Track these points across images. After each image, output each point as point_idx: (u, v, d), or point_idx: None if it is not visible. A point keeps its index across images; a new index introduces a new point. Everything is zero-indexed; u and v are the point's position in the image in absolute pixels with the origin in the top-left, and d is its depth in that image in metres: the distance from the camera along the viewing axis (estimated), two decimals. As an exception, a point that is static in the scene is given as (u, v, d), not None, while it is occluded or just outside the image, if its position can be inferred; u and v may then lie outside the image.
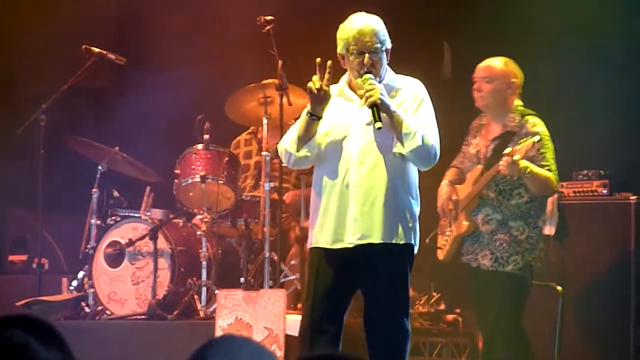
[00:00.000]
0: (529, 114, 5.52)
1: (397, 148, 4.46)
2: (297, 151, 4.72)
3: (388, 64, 4.55)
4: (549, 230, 6.08)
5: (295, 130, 4.71)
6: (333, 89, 4.60)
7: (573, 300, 6.14)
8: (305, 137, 4.62)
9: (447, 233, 5.55)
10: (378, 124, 4.27)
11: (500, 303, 5.44)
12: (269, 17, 5.99)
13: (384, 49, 4.49)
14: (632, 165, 6.59)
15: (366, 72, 4.46)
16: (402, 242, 4.62)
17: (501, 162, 5.11)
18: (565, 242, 6.32)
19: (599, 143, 6.73)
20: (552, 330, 6.02)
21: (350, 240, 4.56)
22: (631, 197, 6.23)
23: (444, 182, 5.52)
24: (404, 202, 4.65)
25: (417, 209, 4.68)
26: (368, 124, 4.41)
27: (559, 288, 5.92)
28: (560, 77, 6.75)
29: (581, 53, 6.88)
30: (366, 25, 4.48)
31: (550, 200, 6.01)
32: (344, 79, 4.51)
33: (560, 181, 6.17)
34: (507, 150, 5.13)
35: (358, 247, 4.53)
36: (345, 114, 4.61)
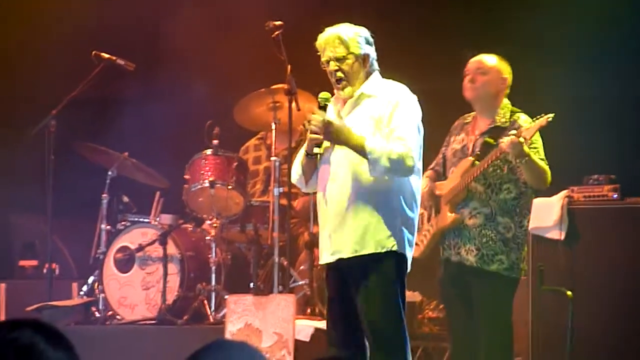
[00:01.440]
0: (518, 111, 5.44)
1: (368, 173, 4.46)
2: (306, 186, 4.84)
3: (383, 71, 4.53)
4: (560, 235, 6.15)
5: (298, 167, 4.78)
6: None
7: (584, 306, 6.02)
8: (309, 174, 4.71)
9: (425, 229, 5.51)
10: (316, 150, 4.44)
11: (491, 308, 5.37)
12: (277, 23, 5.97)
13: (351, 55, 4.49)
14: None
15: (336, 81, 4.49)
16: (381, 251, 4.57)
17: (503, 140, 5.03)
18: (575, 247, 6.27)
19: (609, 147, 6.68)
20: (563, 335, 5.92)
21: (326, 257, 4.64)
22: None
23: (424, 177, 5.38)
24: (382, 213, 4.62)
25: (400, 217, 4.61)
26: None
27: (569, 293, 5.79)
28: (569, 82, 6.73)
29: (588, 59, 6.86)
30: (330, 34, 4.51)
31: (559, 204, 6.08)
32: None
33: (570, 186, 6.24)
34: (513, 132, 5.05)
35: (335, 263, 4.57)
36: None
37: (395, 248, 4.47)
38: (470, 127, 5.49)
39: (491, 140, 5.39)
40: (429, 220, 5.55)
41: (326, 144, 4.57)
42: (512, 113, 5.36)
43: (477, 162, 5.30)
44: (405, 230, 4.53)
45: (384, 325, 4.57)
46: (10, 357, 1.71)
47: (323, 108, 4.66)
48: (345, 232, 4.56)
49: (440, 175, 5.56)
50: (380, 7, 6.74)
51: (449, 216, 5.39)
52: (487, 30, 6.99)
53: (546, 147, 5.33)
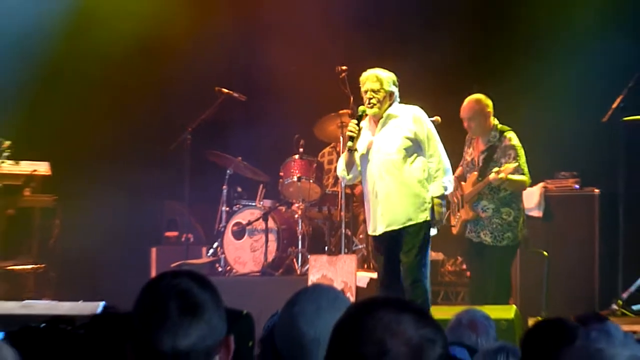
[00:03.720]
0: (505, 130, 6.71)
1: (404, 175, 5.81)
2: (347, 176, 6.09)
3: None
4: (539, 213, 7.64)
5: (342, 162, 6.08)
6: (364, 122, 5.98)
7: (555, 263, 7.51)
8: (350, 166, 6.01)
9: (458, 216, 6.85)
10: (349, 143, 5.77)
11: (500, 268, 6.77)
12: (343, 67, 7.20)
13: (382, 89, 5.77)
14: (599, 166, 7.88)
15: (369, 103, 5.77)
16: (419, 222, 5.83)
17: (491, 176, 6.32)
18: (550, 222, 7.74)
19: (574, 152, 8.01)
20: (541, 283, 7.44)
21: (380, 229, 5.88)
22: (595, 190, 7.69)
23: (454, 176, 6.49)
24: (416, 199, 5.84)
25: (426, 200, 5.83)
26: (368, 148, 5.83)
27: (545, 253, 7.45)
28: (549, 113, 8.04)
29: (565, 73, 8.00)
30: (370, 73, 5.85)
31: (538, 192, 7.56)
32: None
33: (546, 179, 7.69)
34: (495, 169, 6.33)
35: (386, 233, 5.84)
36: (366, 141, 5.92)
37: (428, 218, 5.82)
38: (475, 143, 6.81)
39: (488, 158, 6.67)
40: (458, 210, 6.94)
41: (361, 143, 5.85)
42: (501, 132, 6.70)
43: (480, 178, 6.64)
44: (430, 209, 5.83)
45: (416, 270, 5.83)
46: (174, 297, 1.95)
47: (359, 117, 5.86)
48: (394, 213, 5.84)
49: (464, 172, 6.92)
50: (408, 53, 7.67)
51: (469, 212, 6.79)
52: (491, 71, 8.12)
53: (530, 153, 6.72)
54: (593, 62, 8.02)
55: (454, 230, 6.95)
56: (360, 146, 5.94)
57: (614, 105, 7.20)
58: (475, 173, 6.75)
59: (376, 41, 8.87)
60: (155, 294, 2.01)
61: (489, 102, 6.79)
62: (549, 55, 8.42)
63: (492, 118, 6.77)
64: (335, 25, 8.87)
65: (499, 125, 6.78)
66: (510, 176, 6.41)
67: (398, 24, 9.13)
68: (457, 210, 6.95)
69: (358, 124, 5.91)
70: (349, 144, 5.93)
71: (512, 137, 6.70)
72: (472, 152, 6.87)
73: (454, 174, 6.40)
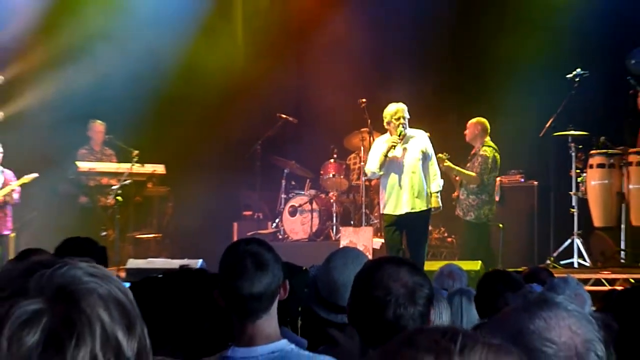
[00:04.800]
0: (487, 146, 8.74)
1: (422, 176, 7.40)
2: (380, 172, 7.53)
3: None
4: (497, 198, 9.60)
5: (377, 161, 7.41)
6: (384, 137, 7.67)
7: (508, 232, 9.61)
8: (383, 165, 7.50)
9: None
10: (390, 153, 7.23)
11: (467, 235, 9.09)
12: (363, 100, 9.16)
13: (405, 117, 7.41)
14: (537, 166, 9.90)
15: (403, 127, 7.25)
16: (429, 207, 7.57)
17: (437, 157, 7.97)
18: (503, 204, 9.79)
19: (522, 154, 9.97)
20: (498, 246, 9.47)
21: (405, 210, 7.44)
22: (534, 183, 9.81)
23: None
24: (426, 191, 7.53)
25: (429, 193, 7.50)
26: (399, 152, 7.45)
27: (501, 226, 9.54)
28: (508, 118, 9.77)
29: (516, 100, 9.79)
30: (400, 107, 7.52)
31: (496, 184, 9.53)
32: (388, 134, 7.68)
33: (501, 175, 9.61)
34: (439, 155, 8.07)
35: (407, 214, 7.41)
36: (399, 151, 7.50)
37: (432, 206, 7.56)
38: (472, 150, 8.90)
39: (469, 161, 8.67)
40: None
41: (396, 151, 7.23)
42: (484, 145, 8.62)
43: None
44: (428, 201, 7.55)
45: (422, 242, 7.60)
46: (249, 257, 2.24)
47: (400, 136, 7.29)
48: (416, 200, 7.42)
49: None
50: (406, 86, 9.68)
51: (456, 193, 8.99)
52: (467, 98, 10.35)
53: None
54: (534, 91, 9.96)
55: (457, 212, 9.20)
56: (395, 153, 7.53)
57: (547, 125, 9.15)
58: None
59: (385, 79, 10.93)
60: (235, 255, 2.37)
61: (482, 121, 8.84)
62: (506, 85, 10.19)
63: (482, 134, 8.85)
64: (358, 70, 11.01)
65: (489, 142, 8.79)
66: (459, 169, 8.69)
67: (399, 66, 11.22)
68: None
69: (398, 140, 7.46)
70: (391, 151, 7.35)
71: (486, 149, 8.74)
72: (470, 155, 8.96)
73: None
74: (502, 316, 1.67)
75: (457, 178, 9.02)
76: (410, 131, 7.57)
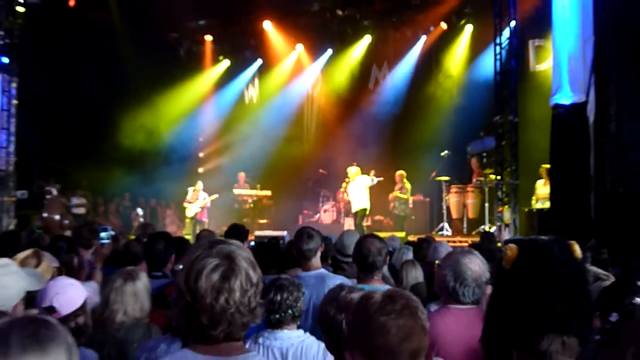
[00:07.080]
0: (406, 182, 20.55)
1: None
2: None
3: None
4: (410, 205, 21.37)
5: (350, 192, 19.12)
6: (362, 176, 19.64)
7: (416, 221, 21.25)
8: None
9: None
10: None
11: (399, 221, 21.16)
12: (353, 165, 21.57)
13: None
14: (430, 191, 21.37)
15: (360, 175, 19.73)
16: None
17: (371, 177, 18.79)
18: (414, 208, 21.46)
19: (422, 184, 21.38)
20: (411, 226, 21.19)
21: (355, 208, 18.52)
22: (427, 199, 21.61)
23: None
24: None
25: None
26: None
27: (413, 217, 21.22)
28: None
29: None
30: (356, 169, 19.17)
31: (411, 199, 21.69)
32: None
33: (412, 195, 21.31)
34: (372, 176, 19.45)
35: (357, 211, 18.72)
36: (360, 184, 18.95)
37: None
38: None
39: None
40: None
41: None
42: (405, 182, 19.99)
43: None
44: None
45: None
46: (305, 233, 4.44)
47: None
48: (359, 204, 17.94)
49: None
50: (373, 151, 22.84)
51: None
52: (406, 155, 21.99)
53: (411, 179, 20.68)
54: (428, 158, 21.11)
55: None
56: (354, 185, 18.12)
57: (432, 175, 20.15)
58: None
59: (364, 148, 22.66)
60: (300, 231, 4.74)
61: (404, 173, 19.99)
62: (415, 155, 21.73)
63: (403, 177, 20.06)
64: (351, 146, 22.66)
65: (405, 181, 19.86)
66: (397, 193, 19.98)
67: (369, 140, 22.91)
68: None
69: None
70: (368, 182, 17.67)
71: (405, 182, 19.87)
72: None
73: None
74: (447, 255, 3.29)
75: (394, 196, 20.64)
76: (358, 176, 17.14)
